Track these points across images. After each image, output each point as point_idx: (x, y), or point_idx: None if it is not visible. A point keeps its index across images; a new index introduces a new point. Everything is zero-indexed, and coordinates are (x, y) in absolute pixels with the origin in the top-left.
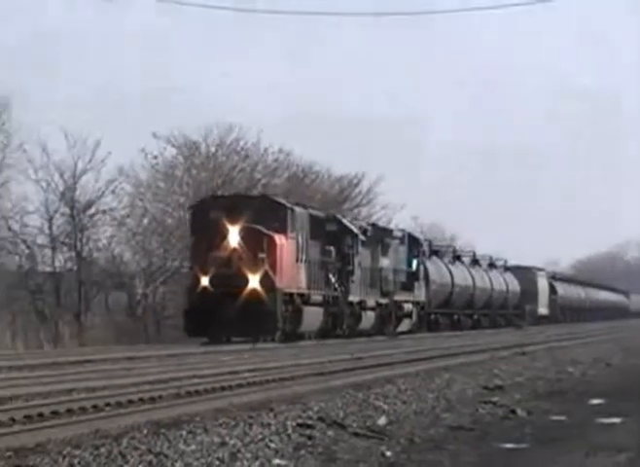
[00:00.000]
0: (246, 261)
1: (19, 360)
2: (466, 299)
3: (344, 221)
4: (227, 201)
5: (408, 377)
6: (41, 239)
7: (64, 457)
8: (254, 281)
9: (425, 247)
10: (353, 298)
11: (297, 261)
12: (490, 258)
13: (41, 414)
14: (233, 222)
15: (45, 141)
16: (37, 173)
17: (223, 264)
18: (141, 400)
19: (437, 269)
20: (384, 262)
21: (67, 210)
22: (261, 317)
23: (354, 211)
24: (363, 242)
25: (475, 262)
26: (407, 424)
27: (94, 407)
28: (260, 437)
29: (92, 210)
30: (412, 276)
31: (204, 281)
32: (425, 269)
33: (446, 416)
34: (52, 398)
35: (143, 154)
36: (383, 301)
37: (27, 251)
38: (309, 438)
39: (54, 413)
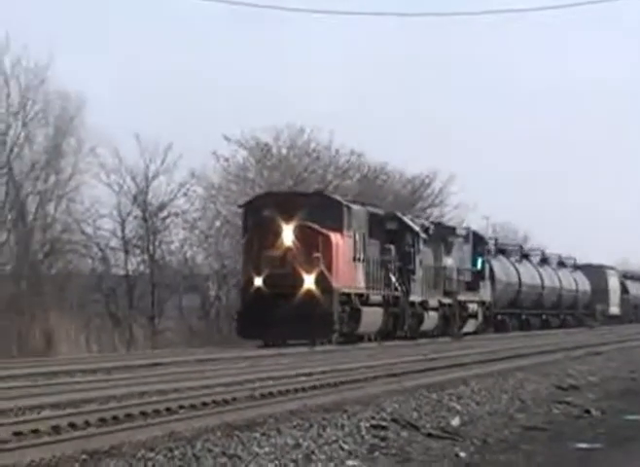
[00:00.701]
0: (301, 260)
1: (94, 363)
2: (534, 298)
3: (405, 219)
4: (281, 198)
5: (481, 378)
6: (114, 242)
7: (138, 460)
8: (309, 281)
9: (491, 246)
10: (415, 298)
11: (354, 260)
12: (559, 257)
13: (115, 417)
14: (288, 220)
15: (117, 145)
16: (109, 177)
17: (277, 263)
18: (215, 402)
19: (503, 267)
20: (447, 261)
21: (140, 213)
22: (316, 319)
23: (426, 212)
24: (425, 241)
25: (543, 261)
26: (480, 425)
27: (168, 409)
28: (334, 438)
29: (165, 213)
30: (477, 275)
31: (258, 282)
32: (491, 268)
33: (520, 417)
34: (126, 401)
35: (215, 156)
36: (447, 301)
37: (100, 254)
38: (383, 439)
39: (129, 416)
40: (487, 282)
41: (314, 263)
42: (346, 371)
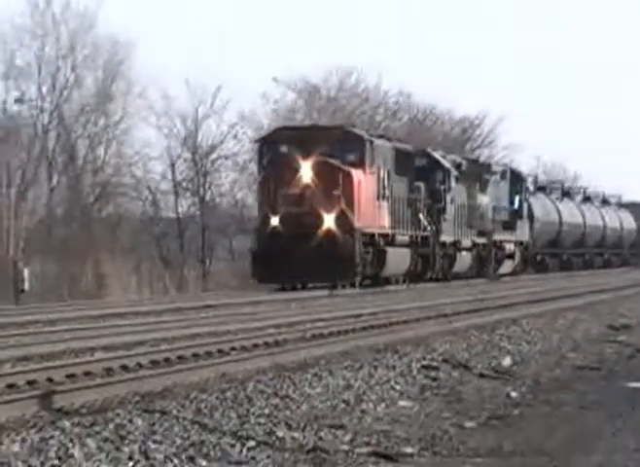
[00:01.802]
0: (320, 198)
1: (145, 306)
2: (576, 238)
3: (435, 155)
4: (299, 133)
5: (531, 318)
6: (164, 185)
7: (191, 402)
8: (329, 221)
9: (529, 183)
10: (446, 238)
11: (378, 198)
12: (603, 194)
13: (167, 359)
14: (306, 156)
15: (166, 87)
16: (159, 119)
17: (294, 202)
18: (266, 344)
19: (542, 206)
20: (482, 199)
21: (189, 156)
22: (337, 260)
23: (476, 152)
24: (457, 178)
25: (586, 199)
26: (532, 365)
27: (220, 351)
28: (385, 379)
29: (214, 155)
30: (515, 214)
31: (274, 221)
32: (529, 207)
33: (572, 356)
34: (177, 343)
35: (264, 98)
36: (481, 240)
37: (151, 197)
38: (434, 379)
39: (181, 358)
40: (525, 221)
41: (334, 201)
42: (395, 312)
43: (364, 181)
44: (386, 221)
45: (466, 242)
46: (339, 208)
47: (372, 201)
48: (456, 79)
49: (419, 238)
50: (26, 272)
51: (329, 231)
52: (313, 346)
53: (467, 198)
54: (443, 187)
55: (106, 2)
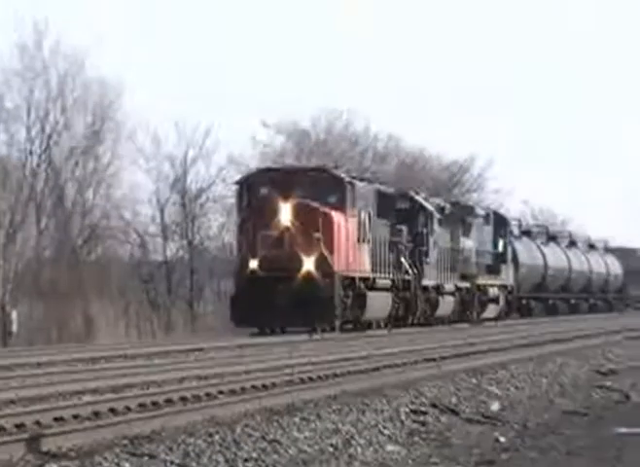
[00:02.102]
0: (300, 241)
1: (133, 349)
2: (561, 282)
3: (417, 198)
4: (278, 175)
5: (520, 363)
6: (152, 228)
7: (179, 445)
8: (308, 264)
9: (514, 227)
10: (428, 282)
11: (358, 241)
12: (589, 239)
13: (155, 403)
14: (286, 197)
15: (155, 131)
16: (148, 162)
17: (273, 244)
18: (254, 387)
19: (527, 250)
20: (466, 242)
21: (178, 199)
22: (317, 304)
23: (464, 196)
24: (440, 221)
25: (572, 243)
26: (520, 409)
27: (208, 395)
28: (373, 423)
29: (203, 199)
30: (499, 258)
31: (253, 264)
32: (514, 251)
33: (560, 401)
34: (165, 386)
35: (253, 142)
36: (464, 285)
37: (139, 240)
38: (423, 424)
39: (168, 402)
40: (510, 265)
41: (314, 244)
42: (385, 356)
43: (344, 224)
44: (367, 264)
45: (449, 286)
46: (319, 251)
47: (352, 244)
48: (445, 123)
49: (401, 282)
50: (14, 315)
51: (308, 274)
52: (301, 390)
53: (450, 242)
54: (425, 230)
55: (95, 45)
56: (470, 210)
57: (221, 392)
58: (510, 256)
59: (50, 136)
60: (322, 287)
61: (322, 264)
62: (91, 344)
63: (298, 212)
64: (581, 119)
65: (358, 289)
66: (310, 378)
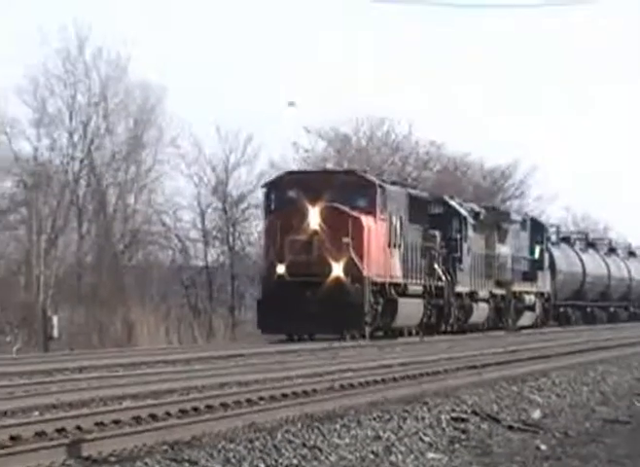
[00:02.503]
0: (328, 246)
1: (174, 354)
2: (600, 290)
3: (451, 202)
4: (307, 178)
5: (561, 370)
6: (193, 234)
7: (219, 451)
8: (337, 269)
9: (551, 233)
10: (462, 288)
11: (389, 246)
12: (629, 246)
13: (196, 408)
14: (314, 201)
15: (197, 136)
16: (190, 168)
17: (301, 249)
18: (295, 393)
19: (565, 257)
20: (501, 248)
21: (219, 204)
22: (345, 310)
23: (506, 203)
24: (474, 227)
25: (611, 250)
26: (561, 417)
27: (248, 401)
28: (414, 430)
29: (244, 204)
30: (535, 265)
31: (280, 269)
32: (551, 257)
33: (602, 410)
34: (206, 392)
35: (295, 147)
36: (499, 291)
37: (180, 245)
38: (463, 431)
39: (209, 407)
40: (547, 272)
41: (343, 249)
42: (427, 363)
43: (374, 228)
44: (398, 270)
45: (483, 293)
46: (348, 256)
47: (382, 249)
48: (488, 129)
49: (433, 289)
50: (55, 320)
51: (337, 279)
52: (342, 397)
53: (485, 248)
54: (459, 235)
55: (137, 49)
56: (506, 216)
57: (261, 398)
58: (547, 263)
59: (92, 141)
60: (351, 293)
61: (351, 269)
62: (132, 350)
63: (326, 216)
64: (621, 121)
65: (389, 295)
66: (351, 385)
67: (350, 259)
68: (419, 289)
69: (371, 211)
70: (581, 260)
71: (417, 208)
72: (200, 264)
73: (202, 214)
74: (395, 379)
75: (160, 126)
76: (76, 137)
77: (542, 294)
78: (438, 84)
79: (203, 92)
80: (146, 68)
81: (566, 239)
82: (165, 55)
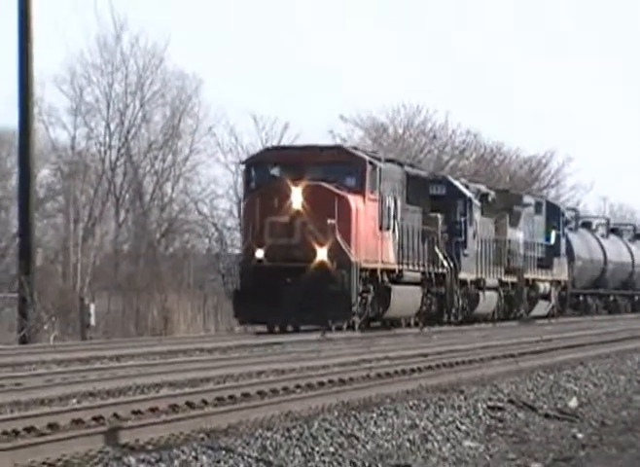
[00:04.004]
0: (312, 228)
1: (211, 342)
2: (623, 278)
3: (456, 183)
4: (290, 154)
5: (597, 359)
6: (230, 222)
7: (256, 439)
8: (322, 253)
9: (569, 217)
10: (466, 275)
11: (381, 228)
12: None
13: (232, 396)
14: (297, 179)
15: (233, 124)
16: (226, 156)
17: (282, 232)
18: (331, 382)
19: (584, 242)
20: (512, 233)
21: None
22: (331, 299)
23: (542, 192)
24: (482, 209)
25: (637, 236)
26: (598, 406)
27: (285, 389)
28: (450, 419)
29: None
30: (551, 251)
31: (259, 254)
32: (568, 243)
33: (638, 399)
34: (242, 380)
35: (331, 135)
36: (510, 279)
37: (217, 234)
38: (500, 420)
39: (246, 396)
40: (564, 259)
41: (328, 231)
42: (462, 351)
43: (363, 209)
44: (391, 255)
45: (491, 281)
46: (334, 239)
47: (373, 232)
48: (524, 117)
49: (433, 275)
50: (92, 308)
51: (321, 265)
52: (378, 385)
53: (494, 232)
54: (464, 218)
55: (174, 37)
56: (518, 198)
57: (298, 386)
58: (564, 249)
59: (128, 130)
60: (337, 280)
61: (337, 253)
62: (169, 338)
63: (310, 195)
64: None
65: (380, 282)
66: (387, 374)
67: (336, 242)
68: (417, 276)
69: (359, 190)
70: (601, 246)
71: (416, 188)
72: (237, 252)
73: (239, 203)
74: (431, 368)
75: (196, 115)
76: (113, 126)
77: (558, 282)
78: (474, 72)
79: (240, 80)
80: (183, 57)
81: (587, 225)
82: (202, 44)
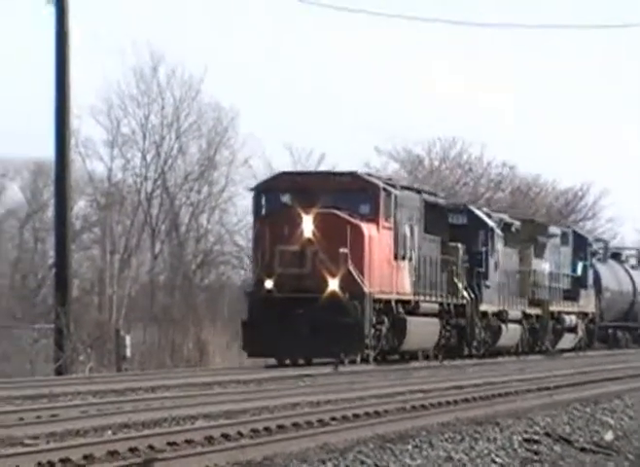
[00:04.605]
0: (323, 257)
1: (246, 374)
2: None
3: (477, 212)
4: (302, 180)
5: (634, 392)
6: None
7: None
8: (333, 284)
9: (597, 248)
10: (487, 307)
11: (396, 258)
12: None
13: (267, 428)
14: (308, 206)
15: (269, 156)
16: None
17: (293, 261)
18: (367, 414)
19: (613, 274)
20: (537, 264)
21: None
22: (343, 331)
23: (579, 224)
24: (505, 239)
25: None
26: (634, 440)
27: (320, 421)
28: (486, 452)
29: None
30: (577, 282)
31: (268, 284)
32: (596, 274)
33: None
34: (278, 412)
35: (366, 168)
36: (534, 311)
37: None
38: (536, 453)
39: (281, 428)
40: (591, 290)
41: (340, 260)
42: (499, 384)
43: (377, 237)
44: (407, 285)
45: (514, 313)
46: (346, 269)
47: (387, 261)
48: (560, 150)
49: (452, 307)
50: (128, 339)
51: (333, 295)
52: (414, 417)
53: (518, 263)
54: (485, 248)
55: (210, 69)
56: (543, 229)
57: (333, 418)
58: (591, 280)
59: (165, 161)
60: (349, 311)
61: (349, 284)
62: (204, 369)
63: (321, 223)
64: None
65: (396, 314)
66: (423, 406)
67: (348, 272)
68: (435, 307)
69: (373, 218)
70: (631, 277)
71: (435, 217)
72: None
73: None
74: (467, 401)
75: (232, 147)
76: (149, 157)
77: (585, 314)
78: (509, 105)
79: (276, 112)
80: (219, 88)
81: (616, 255)
82: (238, 75)
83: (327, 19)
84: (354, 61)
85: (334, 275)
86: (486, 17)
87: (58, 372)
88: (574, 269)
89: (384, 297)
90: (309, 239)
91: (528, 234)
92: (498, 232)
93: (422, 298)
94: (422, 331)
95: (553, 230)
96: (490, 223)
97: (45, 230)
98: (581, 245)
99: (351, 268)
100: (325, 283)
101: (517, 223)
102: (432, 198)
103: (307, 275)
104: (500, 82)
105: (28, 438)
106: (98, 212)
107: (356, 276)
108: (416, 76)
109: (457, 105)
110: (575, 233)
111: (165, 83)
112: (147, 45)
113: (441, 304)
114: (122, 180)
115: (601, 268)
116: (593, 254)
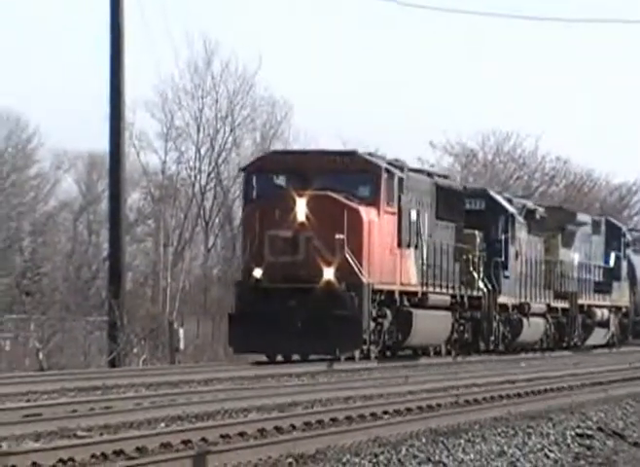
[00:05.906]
0: (318, 244)
1: (299, 367)
2: None
3: (497, 197)
4: (295, 160)
5: None
6: None
7: (344, 465)
8: (329, 273)
9: (631, 237)
10: (507, 299)
11: (400, 245)
12: None
13: (320, 421)
14: (302, 188)
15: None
16: None
17: (285, 248)
18: (419, 408)
19: None
20: (565, 254)
21: None
22: (339, 325)
23: (633, 219)
24: (529, 227)
25: None
26: None
27: (372, 414)
28: (539, 446)
29: None
30: (610, 274)
31: (257, 273)
32: (630, 266)
33: None
34: (330, 405)
35: (420, 162)
36: (560, 304)
37: None
38: (589, 448)
39: (334, 421)
40: (625, 283)
41: (336, 247)
42: (551, 379)
43: (377, 222)
44: (413, 275)
45: (538, 306)
46: (342, 257)
47: (390, 249)
48: (614, 144)
49: (467, 299)
50: (181, 332)
51: (328, 285)
52: (466, 412)
53: (543, 253)
54: (505, 236)
55: (264, 62)
56: (571, 216)
57: (385, 412)
58: (625, 272)
59: (219, 155)
60: (346, 303)
61: (346, 273)
62: (257, 362)
63: (316, 207)
64: None
65: (400, 306)
66: (475, 400)
67: (345, 260)
68: (446, 299)
69: (373, 201)
70: None
71: (449, 202)
72: None
73: None
74: (519, 395)
75: (285, 140)
76: (203, 150)
77: (618, 308)
78: (564, 99)
79: (329, 105)
80: (273, 81)
81: None
82: (292, 68)
83: (381, 13)
84: (408, 55)
85: (329, 264)
86: (538, 11)
87: (112, 364)
88: (606, 260)
89: (385, 288)
90: (303, 224)
91: (555, 222)
92: (520, 218)
93: (431, 289)
94: (431, 325)
95: (584, 217)
96: (511, 209)
97: (99, 222)
98: (614, 235)
99: (348, 255)
100: (319, 272)
101: (542, 209)
102: (445, 182)
103: (300, 264)
104: (553, 75)
105: (82, 430)
106: (152, 205)
107: (353, 265)
108: (469, 69)
109: (512, 99)
110: (608, 221)
111: (219, 76)
112: (201, 38)
113: (453, 295)
114: (176, 173)
115: (636, 259)
116: (628, 244)
